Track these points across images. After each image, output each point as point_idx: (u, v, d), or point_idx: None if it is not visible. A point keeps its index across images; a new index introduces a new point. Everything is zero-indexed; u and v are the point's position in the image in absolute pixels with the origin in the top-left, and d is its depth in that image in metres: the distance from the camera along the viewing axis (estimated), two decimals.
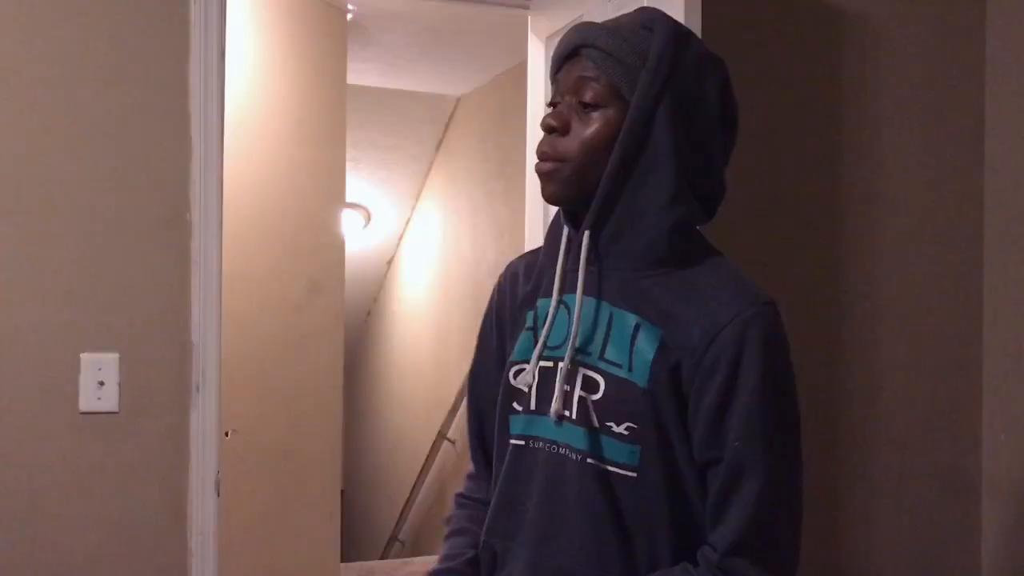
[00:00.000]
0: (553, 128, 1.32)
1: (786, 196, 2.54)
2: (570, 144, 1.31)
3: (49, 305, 2.09)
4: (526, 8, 2.56)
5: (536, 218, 2.57)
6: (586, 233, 1.31)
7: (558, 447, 1.31)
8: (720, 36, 2.21)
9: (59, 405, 2.09)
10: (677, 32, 1.32)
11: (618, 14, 2.16)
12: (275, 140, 3.31)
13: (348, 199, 4.44)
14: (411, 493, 5.85)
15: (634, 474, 1.27)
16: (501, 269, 1.53)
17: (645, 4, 2.03)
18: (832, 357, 2.57)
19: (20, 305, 2.08)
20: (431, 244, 6.03)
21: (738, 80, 2.46)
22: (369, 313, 7.22)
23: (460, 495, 1.53)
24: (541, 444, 1.33)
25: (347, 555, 4.91)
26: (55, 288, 2.09)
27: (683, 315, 1.27)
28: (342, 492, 3.83)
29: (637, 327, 1.28)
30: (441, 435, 5.44)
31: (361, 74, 4.65)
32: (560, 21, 2.40)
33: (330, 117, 3.58)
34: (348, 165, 3.95)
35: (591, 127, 1.30)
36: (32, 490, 2.08)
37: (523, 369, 1.36)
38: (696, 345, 1.26)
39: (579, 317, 1.31)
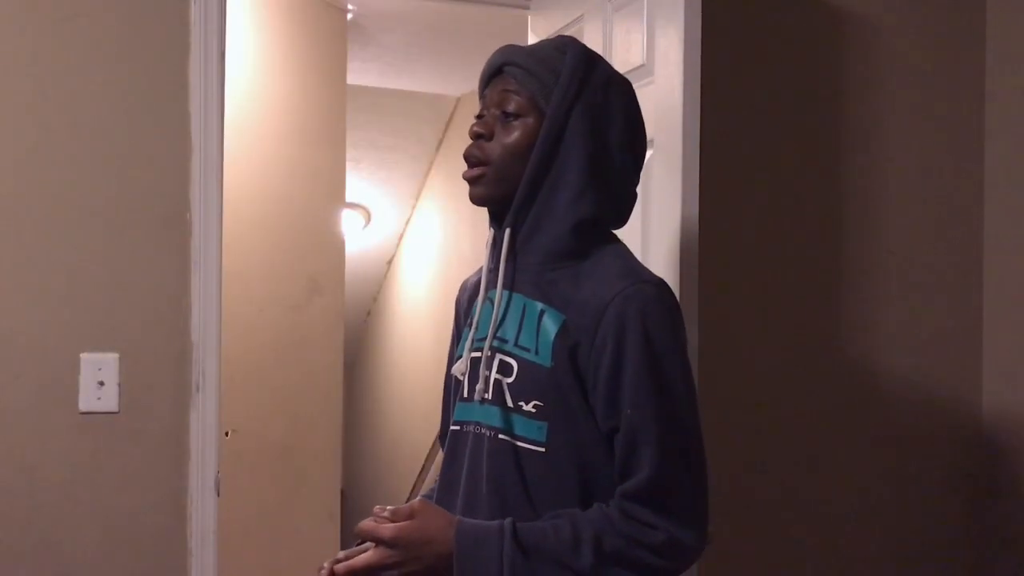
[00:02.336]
0: (479, 135, 1.50)
1: (786, 196, 2.54)
2: (494, 148, 1.49)
3: (49, 305, 2.09)
4: (526, 8, 2.56)
5: None
6: (507, 231, 1.49)
7: (481, 427, 1.47)
8: (720, 36, 2.21)
9: (59, 405, 2.09)
10: (586, 55, 1.50)
11: (617, 15, 2.16)
12: (275, 140, 3.31)
13: (348, 199, 4.44)
14: (411, 493, 5.84)
15: (542, 449, 1.41)
16: None
17: (645, 7, 2.03)
18: (832, 356, 2.57)
19: (20, 305, 2.08)
20: (431, 244, 6.03)
21: (738, 80, 2.47)
22: (369, 313, 7.21)
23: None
24: (470, 427, 1.49)
25: None
26: (55, 288, 2.10)
27: (579, 301, 1.42)
28: (342, 492, 3.83)
29: (542, 313, 1.45)
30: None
31: (361, 74, 4.65)
32: (560, 21, 2.40)
33: (330, 117, 3.59)
34: (348, 165, 3.95)
35: (513, 134, 1.48)
36: (32, 490, 2.08)
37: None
38: (588, 326, 1.40)
39: (498, 309, 1.48)
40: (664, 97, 1.93)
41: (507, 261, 1.49)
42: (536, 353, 1.43)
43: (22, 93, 2.09)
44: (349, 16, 3.83)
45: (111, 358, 2.12)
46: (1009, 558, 2.62)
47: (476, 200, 1.53)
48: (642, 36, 2.04)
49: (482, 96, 1.56)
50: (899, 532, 2.60)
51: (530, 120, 1.47)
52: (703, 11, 1.93)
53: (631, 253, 1.52)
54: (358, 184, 5.79)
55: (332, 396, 3.60)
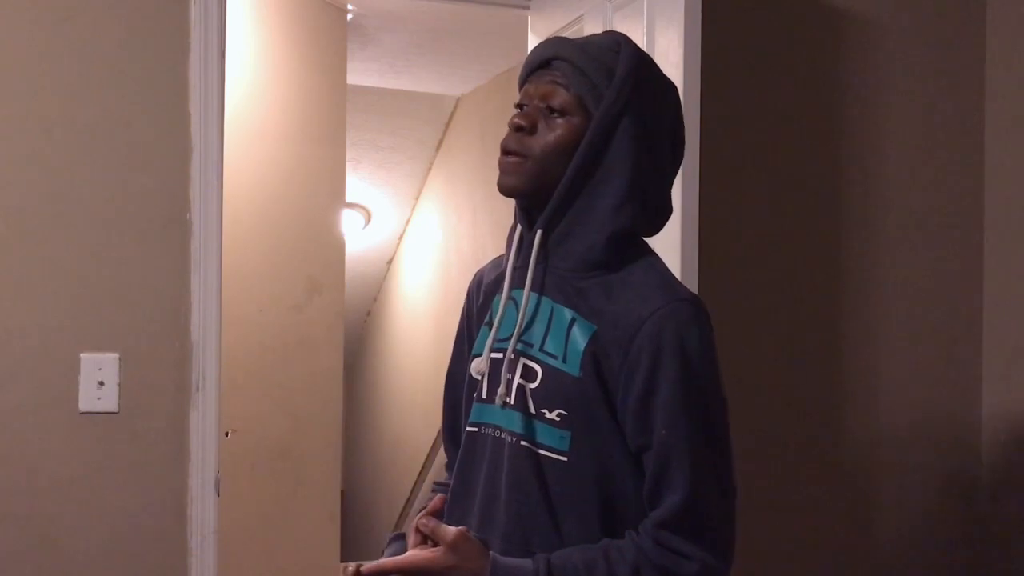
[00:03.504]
0: (521, 127, 1.42)
1: (786, 196, 2.54)
2: (535, 143, 1.41)
3: (49, 305, 2.09)
4: (526, 8, 2.56)
5: None
6: (539, 232, 1.42)
7: (501, 432, 1.42)
8: (720, 36, 2.22)
9: (59, 405, 2.09)
10: (641, 57, 1.44)
11: (617, 15, 2.16)
12: (275, 140, 3.31)
13: (348, 199, 4.44)
14: (411, 493, 5.84)
15: (564, 458, 1.37)
16: None
17: (645, 7, 2.03)
18: (832, 357, 2.57)
19: (20, 305, 2.08)
20: (431, 244, 6.03)
21: (738, 80, 2.47)
22: (369, 313, 7.21)
23: (436, 481, 1.67)
24: (489, 430, 1.44)
25: (347, 555, 4.90)
26: (55, 288, 2.10)
27: (612, 313, 1.38)
28: (342, 492, 3.83)
29: (572, 321, 1.39)
30: (441, 435, 5.43)
31: (361, 74, 4.65)
32: (560, 21, 2.40)
33: (330, 117, 3.58)
34: (348, 165, 3.95)
35: (556, 131, 1.40)
36: (32, 490, 2.08)
37: (476, 363, 1.48)
38: (621, 340, 1.36)
39: (524, 311, 1.43)
40: None
41: (537, 263, 1.42)
42: (564, 361, 1.39)
43: (22, 93, 2.09)
44: (349, 16, 3.83)
45: (111, 358, 2.11)
46: (1008, 559, 2.62)
47: (507, 190, 1.43)
48: (642, 36, 2.04)
49: (522, 87, 1.47)
50: (899, 532, 2.61)
51: (576, 120, 1.40)
52: (703, 11, 1.93)
53: (664, 265, 1.46)
54: (358, 184, 5.79)
55: (332, 396, 3.60)
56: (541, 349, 1.41)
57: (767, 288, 2.51)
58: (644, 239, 1.48)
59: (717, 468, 1.38)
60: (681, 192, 1.89)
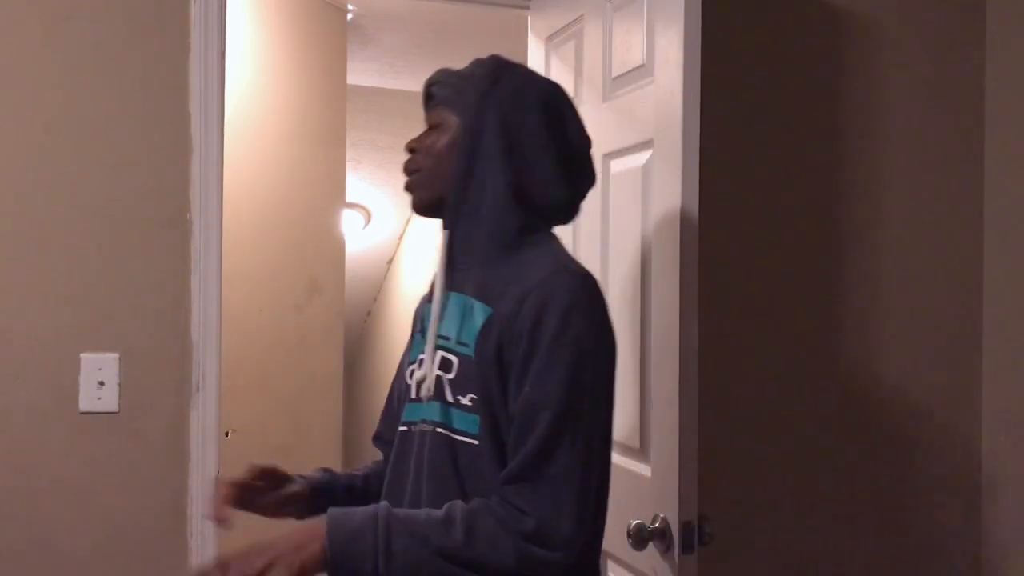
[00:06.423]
0: (412, 149, 1.61)
1: (786, 196, 2.54)
2: (422, 156, 1.58)
3: (49, 305, 2.09)
4: (526, 8, 2.56)
5: None
6: (444, 234, 1.57)
7: (425, 424, 1.51)
8: (720, 36, 2.22)
9: (59, 405, 2.09)
10: (500, 60, 1.58)
11: (617, 15, 2.16)
12: (275, 140, 3.31)
13: (348, 199, 4.44)
14: None
15: (475, 442, 1.43)
16: None
17: (645, 7, 2.03)
18: (832, 357, 2.57)
19: (20, 305, 2.08)
20: (431, 244, 6.03)
21: (738, 80, 2.47)
22: (369, 313, 7.21)
23: (323, 468, 1.82)
24: (416, 426, 1.53)
25: None
26: (55, 288, 2.10)
27: (508, 293, 1.45)
28: None
29: (473, 307, 1.49)
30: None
31: (361, 74, 4.64)
32: (560, 21, 2.40)
33: (330, 117, 3.58)
34: (348, 165, 3.95)
35: (436, 140, 1.57)
36: (32, 490, 2.08)
37: (412, 370, 1.58)
38: (511, 315, 1.42)
39: (438, 312, 1.54)
40: (664, 97, 1.93)
41: (445, 263, 1.56)
42: (469, 347, 1.46)
43: (22, 93, 2.09)
44: (349, 16, 3.83)
45: (111, 358, 2.12)
46: (1009, 559, 2.62)
47: (416, 206, 1.61)
48: (642, 36, 2.04)
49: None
50: (898, 533, 2.60)
51: (451, 128, 1.55)
52: (703, 11, 1.93)
53: (564, 250, 1.55)
54: (358, 184, 5.79)
55: (332, 396, 3.60)
56: (457, 341, 1.48)
57: (766, 288, 2.51)
58: (548, 229, 1.56)
59: (577, 434, 1.37)
60: (681, 192, 1.89)
